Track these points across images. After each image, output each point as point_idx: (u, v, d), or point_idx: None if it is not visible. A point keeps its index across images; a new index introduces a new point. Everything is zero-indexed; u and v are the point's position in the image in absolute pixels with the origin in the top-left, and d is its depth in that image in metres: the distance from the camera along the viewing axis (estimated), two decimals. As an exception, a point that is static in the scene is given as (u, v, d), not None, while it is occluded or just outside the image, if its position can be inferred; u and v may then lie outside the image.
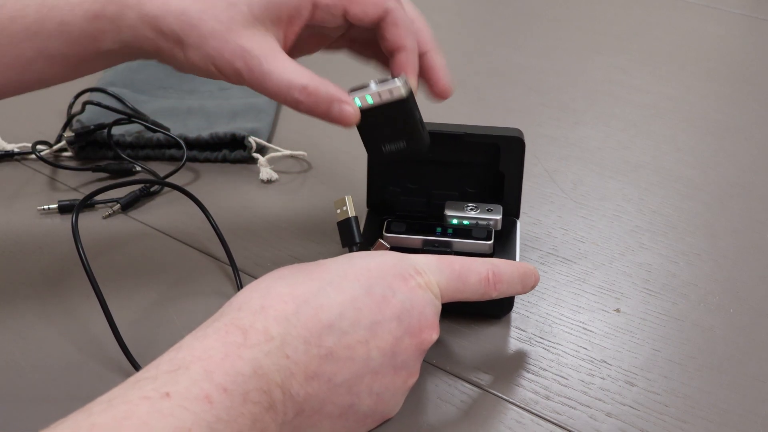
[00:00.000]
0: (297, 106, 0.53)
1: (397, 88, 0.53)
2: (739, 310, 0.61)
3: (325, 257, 0.51)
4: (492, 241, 0.58)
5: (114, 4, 0.52)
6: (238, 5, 0.52)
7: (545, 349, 0.57)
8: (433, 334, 0.48)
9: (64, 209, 0.69)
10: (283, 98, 0.53)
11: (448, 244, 0.58)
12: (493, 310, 0.59)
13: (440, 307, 0.50)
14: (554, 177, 0.76)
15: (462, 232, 0.58)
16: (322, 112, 0.53)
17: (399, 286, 0.47)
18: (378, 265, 0.48)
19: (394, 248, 0.57)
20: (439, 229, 0.58)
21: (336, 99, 0.53)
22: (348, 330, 0.45)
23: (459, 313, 0.58)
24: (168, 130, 0.78)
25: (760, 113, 0.88)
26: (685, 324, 0.60)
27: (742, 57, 1.02)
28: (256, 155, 0.77)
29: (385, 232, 0.58)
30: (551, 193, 0.74)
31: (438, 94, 0.58)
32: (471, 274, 0.50)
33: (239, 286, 0.61)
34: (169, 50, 0.53)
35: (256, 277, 0.63)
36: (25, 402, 0.51)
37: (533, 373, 0.55)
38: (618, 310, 0.61)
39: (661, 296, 0.62)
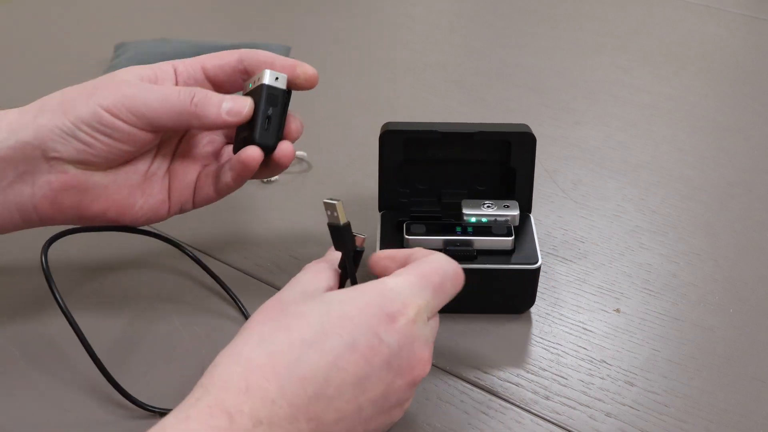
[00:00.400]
0: (191, 99, 0.52)
1: (265, 77, 0.54)
2: (739, 310, 0.61)
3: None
4: (513, 237, 0.58)
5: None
6: (104, 74, 0.55)
7: (545, 349, 0.57)
8: (426, 367, 0.46)
9: (64, 209, 0.69)
10: (176, 97, 0.52)
11: (470, 242, 0.58)
12: (516, 306, 0.60)
13: (434, 328, 0.48)
14: (554, 177, 0.76)
15: (482, 229, 0.58)
16: (216, 103, 0.53)
17: (385, 331, 0.44)
18: (360, 310, 0.44)
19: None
20: (458, 228, 0.59)
21: (224, 97, 0.53)
22: (334, 395, 0.42)
23: (480, 310, 0.59)
24: (168, 130, 0.77)
25: (760, 113, 0.88)
26: (684, 324, 0.60)
27: (742, 57, 1.02)
28: (256, 155, 0.76)
29: (406, 234, 0.58)
30: (551, 193, 0.74)
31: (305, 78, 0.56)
32: (446, 281, 0.48)
33: (229, 294, 0.61)
34: (48, 121, 0.52)
35: (256, 278, 0.63)
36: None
37: (533, 373, 0.55)
38: (618, 310, 0.61)
39: (661, 296, 0.62)
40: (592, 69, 0.96)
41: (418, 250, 0.50)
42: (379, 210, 0.63)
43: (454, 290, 0.48)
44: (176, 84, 0.55)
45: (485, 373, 0.55)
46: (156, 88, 0.52)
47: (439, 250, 0.57)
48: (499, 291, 0.59)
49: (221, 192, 0.57)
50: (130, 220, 0.55)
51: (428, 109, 0.88)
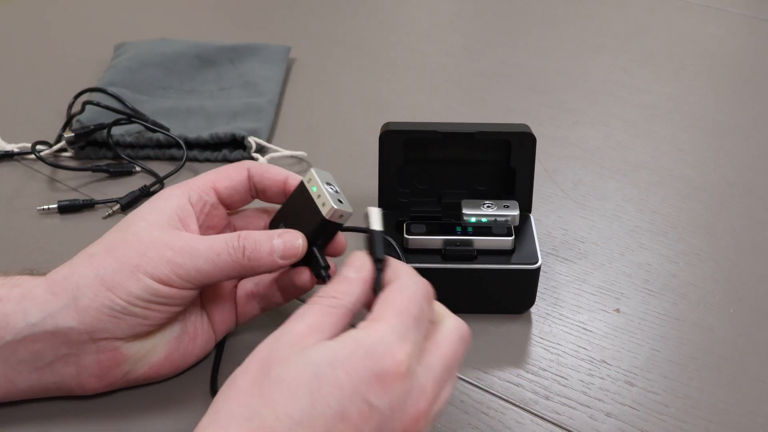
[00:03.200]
0: (243, 253, 0.49)
1: (329, 205, 0.50)
2: (739, 310, 0.61)
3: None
4: (513, 237, 0.58)
5: (20, 288, 0.48)
6: (135, 224, 0.50)
7: (545, 349, 0.57)
8: (425, 426, 0.43)
9: (64, 209, 0.69)
10: (227, 255, 0.49)
11: (470, 242, 0.58)
12: (516, 306, 0.60)
13: (430, 364, 0.44)
14: (554, 177, 0.76)
15: (482, 230, 0.59)
16: (268, 251, 0.49)
17: (376, 395, 0.41)
18: (349, 375, 0.41)
19: (415, 249, 0.57)
20: (458, 228, 0.59)
21: (273, 234, 0.50)
22: None
23: (480, 310, 0.59)
24: (168, 130, 0.78)
25: (760, 113, 0.88)
26: (684, 324, 0.60)
27: (742, 57, 1.02)
28: (256, 155, 0.76)
29: (406, 234, 0.58)
30: (551, 193, 0.74)
31: None
32: (422, 304, 0.45)
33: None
34: (92, 300, 0.47)
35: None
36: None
37: (533, 373, 0.55)
38: (618, 310, 0.61)
39: (661, 296, 0.62)
40: (592, 69, 0.96)
41: (390, 269, 0.47)
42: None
43: (431, 305, 0.46)
44: (197, 219, 0.52)
45: (485, 373, 0.55)
46: (201, 247, 0.48)
47: (439, 250, 0.58)
48: (499, 291, 0.59)
49: (268, 308, 0.56)
50: (183, 367, 0.53)
51: (428, 109, 0.88)
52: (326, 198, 0.50)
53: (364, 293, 0.46)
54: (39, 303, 0.48)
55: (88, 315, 0.47)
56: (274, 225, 0.54)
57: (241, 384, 0.42)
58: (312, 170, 0.52)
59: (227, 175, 0.54)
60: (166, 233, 0.49)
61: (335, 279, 0.47)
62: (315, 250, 0.52)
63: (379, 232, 0.49)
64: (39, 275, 0.50)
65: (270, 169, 0.55)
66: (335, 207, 0.50)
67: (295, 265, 0.53)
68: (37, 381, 0.49)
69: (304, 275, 0.53)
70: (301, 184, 0.53)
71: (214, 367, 0.54)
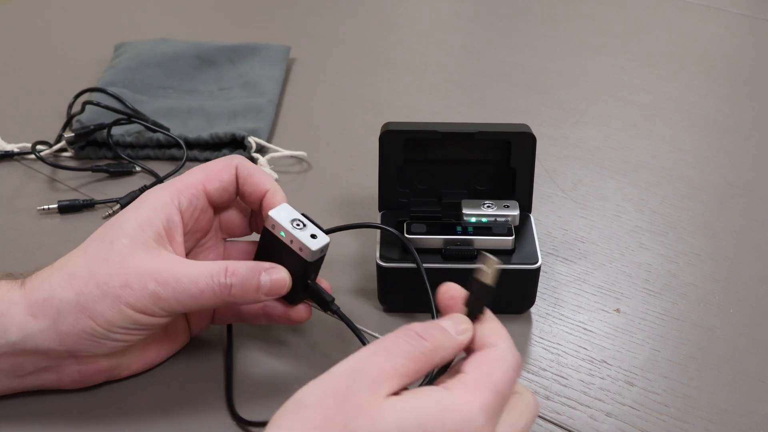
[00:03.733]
0: (229, 291, 0.48)
1: (307, 249, 0.50)
2: (739, 310, 0.61)
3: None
4: (513, 236, 0.58)
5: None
6: (118, 240, 0.48)
7: (545, 349, 0.57)
8: None
9: (64, 209, 0.69)
10: (212, 291, 0.48)
11: (470, 242, 0.58)
12: (516, 306, 0.60)
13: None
14: (554, 177, 0.76)
15: (482, 229, 0.59)
16: (254, 287, 0.49)
17: None
18: None
19: (415, 249, 0.57)
20: (459, 228, 0.59)
21: (261, 268, 0.49)
22: None
23: None
24: (168, 130, 0.78)
25: (760, 113, 0.88)
26: (684, 324, 0.60)
27: (742, 57, 1.02)
28: (256, 155, 0.76)
29: (406, 234, 0.58)
30: (551, 193, 0.74)
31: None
32: (510, 386, 0.43)
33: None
34: (72, 326, 0.47)
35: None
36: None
37: (533, 373, 0.55)
38: (618, 310, 0.61)
39: (661, 296, 0.62)
40: (592, 69, 0.96)
41: (489, 327, 0.45)
42: (379, 210, 0.63)
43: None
44: (185, 225, 0.52)
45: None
46: (185, 280, 0.47)
47: (440, 250, 0.58)
48: (499, 291, 0.59)
49: (245, 320, 0.56)
50: (158, 362, 0.54)
51: (428, 109, 0.88)
52: (300, 242, 0.50)
53: (454, 354, 0.44)
54: (18, 323, 0.47)
55: (68, 339, 0.47)
56: (259, 258, 0.53)
57: (312, 417, 0.38)
58: (270, 214, 0.51)
59: (218, 176, 0.53)
60: (151, 257, 0.48)
61: (433, 324, 0.43)
62: (314, 285, 0.52)
63: (492, 289, 0.45)
64: (17, 280, 0.50)
65: (255, 174, 0.53)
66: (312, 249, 0.50)
67: (291, 301, 0.53)
68: (18, 385, 0.50)
69: (302, 311, 0.53)
70: (266, 229, 0.52)
71: (227, 383, 0.54)
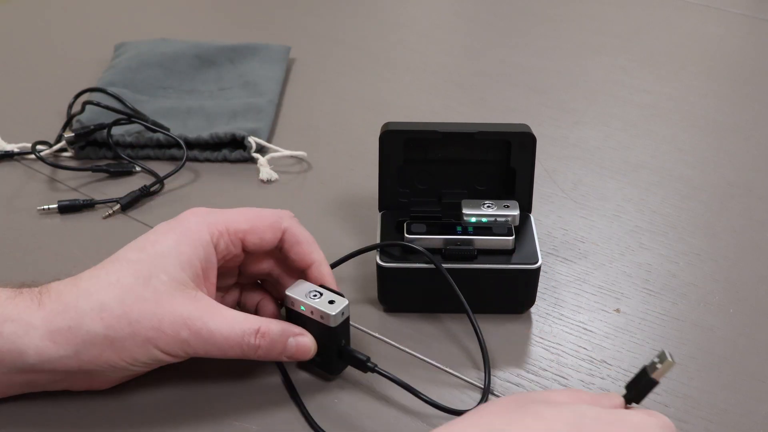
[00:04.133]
0: (256, 351, 0.49)
1: (327, 315, 0.51)
2: (739, 310, 0.61)
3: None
4: (513, 236, 0.58)
5: (13, 323, 0.47)
6: (156, 276, 0.48)
7: (545, 349, 0.57)
8: None
9: (64, 209, 0.69)
10: (240, 349, 0.49)
11: (470, 242, 0.58)
12: (516, 306, 0.60)
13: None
14: (554, 177, 0.76)
15: (482, 229, 0.59)
16: (280, 350, 0.50)
17: None
18: None
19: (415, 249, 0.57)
20: (459, 228, 0.59)
21: (290, 333, 0.51)
22: None
23: (480, 310, 0.58)
24: (168, 130, 0.78)
25: (760, 113, 0.88)
26: (684, 324, 0.60)
27: (742, 57, 1.02)
28: (256, 155, 0.76)
29: (406, 234, 0.58)
30: (551, 193, 0.74)
31: None
32: None
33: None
34: (95, 357, 0.47)
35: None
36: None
37: (533, 373, 0.55)
38: (618, 310, 0.61)
39: (661, 296, 0.62)
40: (592, 69, 0.96)
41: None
42: (379, 210, 0.63)
43: None
44: (217, 263, 0.52)
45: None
46: (217, 336, 0.48)
47: (440, 250, 0.58)
48: (499, 291, 0.59)
49: None
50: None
51: (428, 109, 0.88)
52: (320, 311, 0.51)
53: None
54: (37, 347, 0.46)
55: (88, 365, 0.47)
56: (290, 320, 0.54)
57: (490, 408, 0.42)
58: (288, 293, 0.52)
59: (261, 233, 0.53)
60: (187, 301, 0.48)
61: (590, 395, 0.45)
62: (349, 350, 0.53)
63: (656, 384, 0.45)
64: (32, 292, 0.49)
65: (302, 243, 0.53)
66: (332, 314, 0.51)
67: (331, 371, 0.54)
68: (28, 391, 0.51)
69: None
70: (287, 308, 0.53)
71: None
